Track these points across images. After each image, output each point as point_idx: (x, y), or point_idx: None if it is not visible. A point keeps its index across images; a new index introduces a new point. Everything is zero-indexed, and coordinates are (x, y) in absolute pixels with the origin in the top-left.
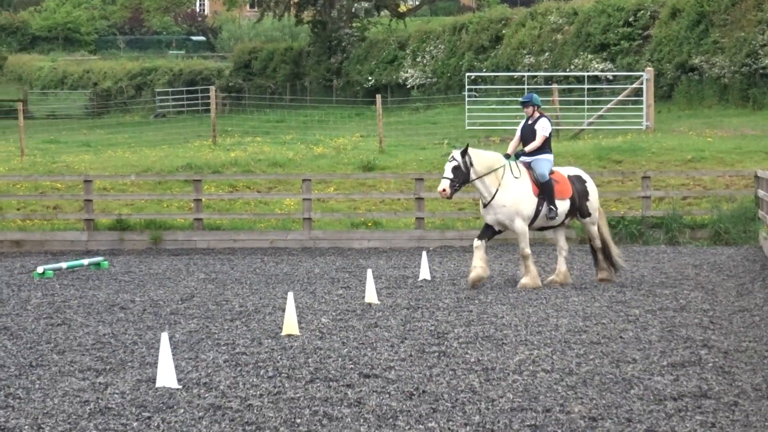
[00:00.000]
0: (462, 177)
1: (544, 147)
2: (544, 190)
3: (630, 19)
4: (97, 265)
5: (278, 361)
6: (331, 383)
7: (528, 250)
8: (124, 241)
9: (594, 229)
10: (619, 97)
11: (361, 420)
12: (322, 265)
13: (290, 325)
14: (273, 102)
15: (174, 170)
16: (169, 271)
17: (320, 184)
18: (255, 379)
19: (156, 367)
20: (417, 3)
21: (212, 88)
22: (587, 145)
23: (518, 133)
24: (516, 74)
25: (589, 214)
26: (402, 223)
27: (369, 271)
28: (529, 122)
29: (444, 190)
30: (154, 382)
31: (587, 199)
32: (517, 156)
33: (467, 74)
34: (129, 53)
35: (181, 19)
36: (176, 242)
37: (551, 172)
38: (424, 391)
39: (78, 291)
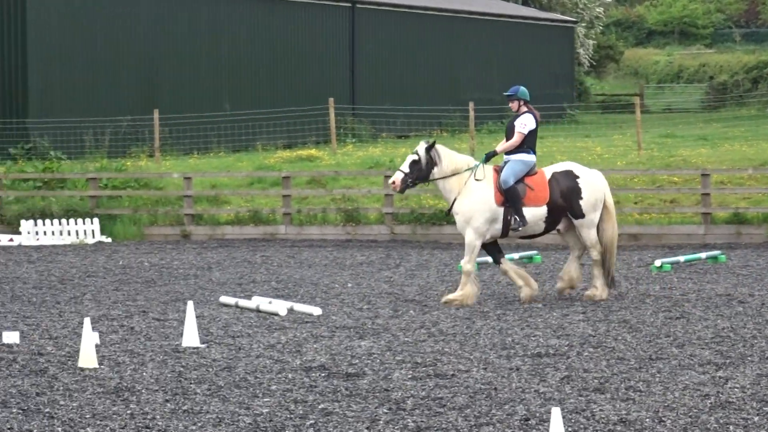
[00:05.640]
0: (419, 173)
1: (523, 146)
2: (508, 198)
3: None
4: (714, 258)
5: None
6: None
7: (469, 266)
8: (741, 235)
9: (590, 234)
10: None
11: None
12: None
13: None
14: None
15: None
16: None
17: None
18: None
19: None
20: None
21: None
22: None
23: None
24: None
25: (583, 215)
26: None
27: None
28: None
29: (394, 183)
30: None
31: (579, 198)
32: (487, 158)
33: None
34: (744, 46)
35: None
36: None
37: (534, 173)
38: None
39: (696, 285)
